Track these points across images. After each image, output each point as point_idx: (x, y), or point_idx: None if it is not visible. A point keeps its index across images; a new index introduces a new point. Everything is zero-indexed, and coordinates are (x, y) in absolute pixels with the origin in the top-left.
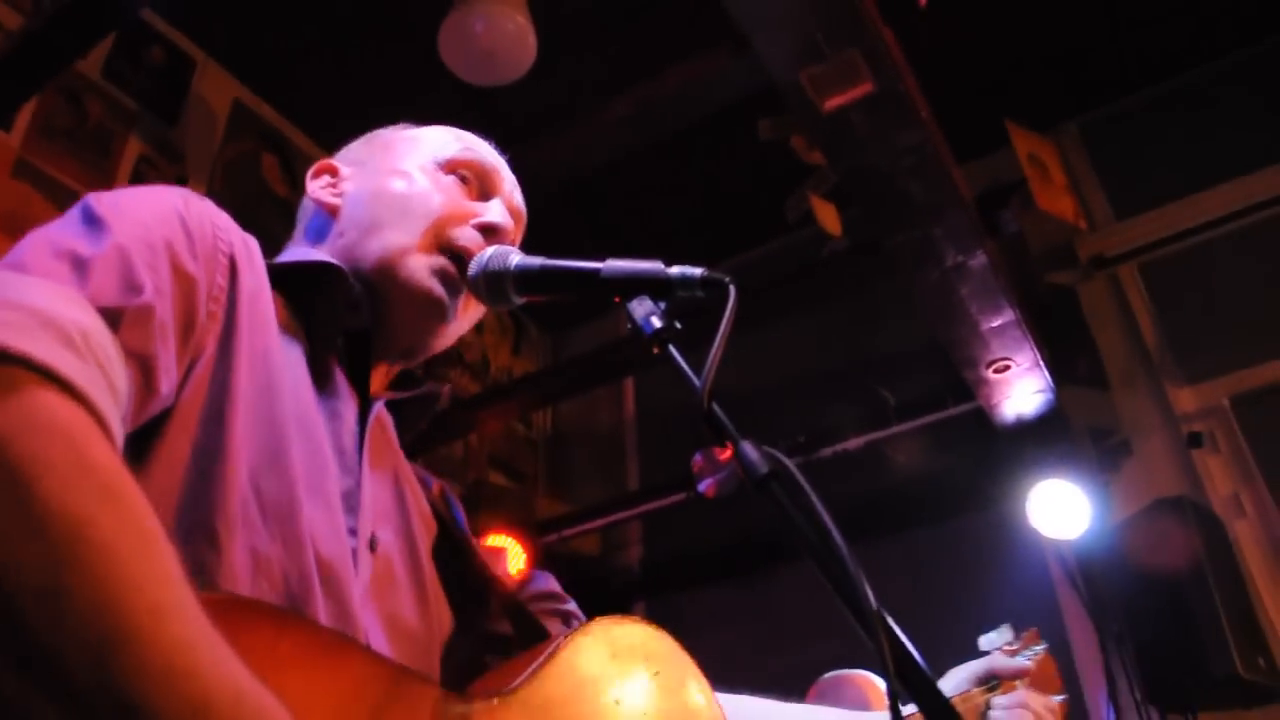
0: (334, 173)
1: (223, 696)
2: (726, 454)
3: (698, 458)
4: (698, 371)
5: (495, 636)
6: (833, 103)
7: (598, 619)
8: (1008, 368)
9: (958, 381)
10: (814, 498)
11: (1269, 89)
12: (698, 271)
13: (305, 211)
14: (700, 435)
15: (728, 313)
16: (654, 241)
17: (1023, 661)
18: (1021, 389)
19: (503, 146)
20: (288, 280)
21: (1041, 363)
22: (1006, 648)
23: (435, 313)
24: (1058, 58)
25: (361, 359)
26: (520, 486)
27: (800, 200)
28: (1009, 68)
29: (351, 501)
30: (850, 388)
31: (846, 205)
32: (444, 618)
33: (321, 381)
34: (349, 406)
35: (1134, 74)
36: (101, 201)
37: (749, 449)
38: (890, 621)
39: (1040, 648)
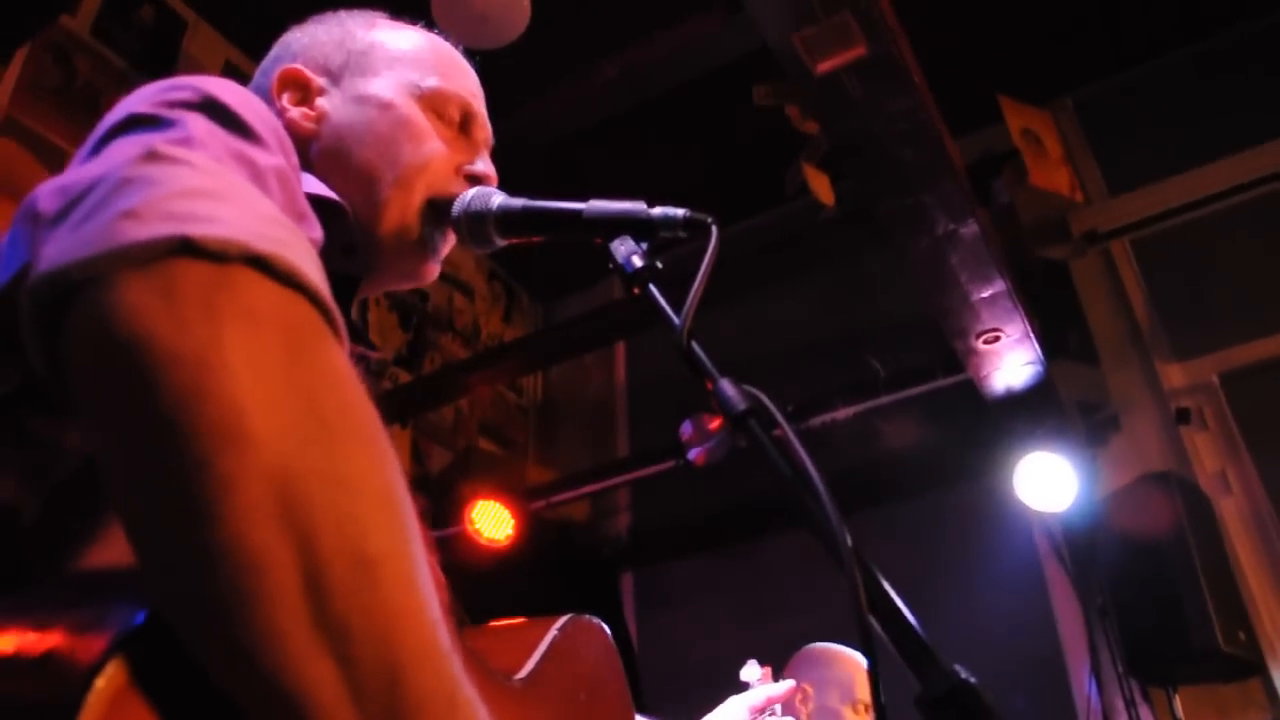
0: (304, 84)
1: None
2: (716, 423)
3: (687, 426)
4: (679, 312)
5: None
6: (825, 66)
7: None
8: (997, 338)
9: (948, 353)
10: (791, 434)
11: (1265, 65)
12: (680, 212)
13: None
14: (690, 403)
15: (709, 252)
16: None
17: (788, 683)
18: (1011, 361)
19: (494, 107)
20: None
21: (1032, 334)
22: (762, 679)
23: (423, 263)
24: (1053, 31)
25: (341, 301)
26: (509, 453)
27: (797, 171)
28: (1004, 41)
29: None
30: (841, 358)
31: (840, 177)
32: None
33: None
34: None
35: (1129, 49)
36: (229, 97)
37: (727, 386)
38: (865, 559)
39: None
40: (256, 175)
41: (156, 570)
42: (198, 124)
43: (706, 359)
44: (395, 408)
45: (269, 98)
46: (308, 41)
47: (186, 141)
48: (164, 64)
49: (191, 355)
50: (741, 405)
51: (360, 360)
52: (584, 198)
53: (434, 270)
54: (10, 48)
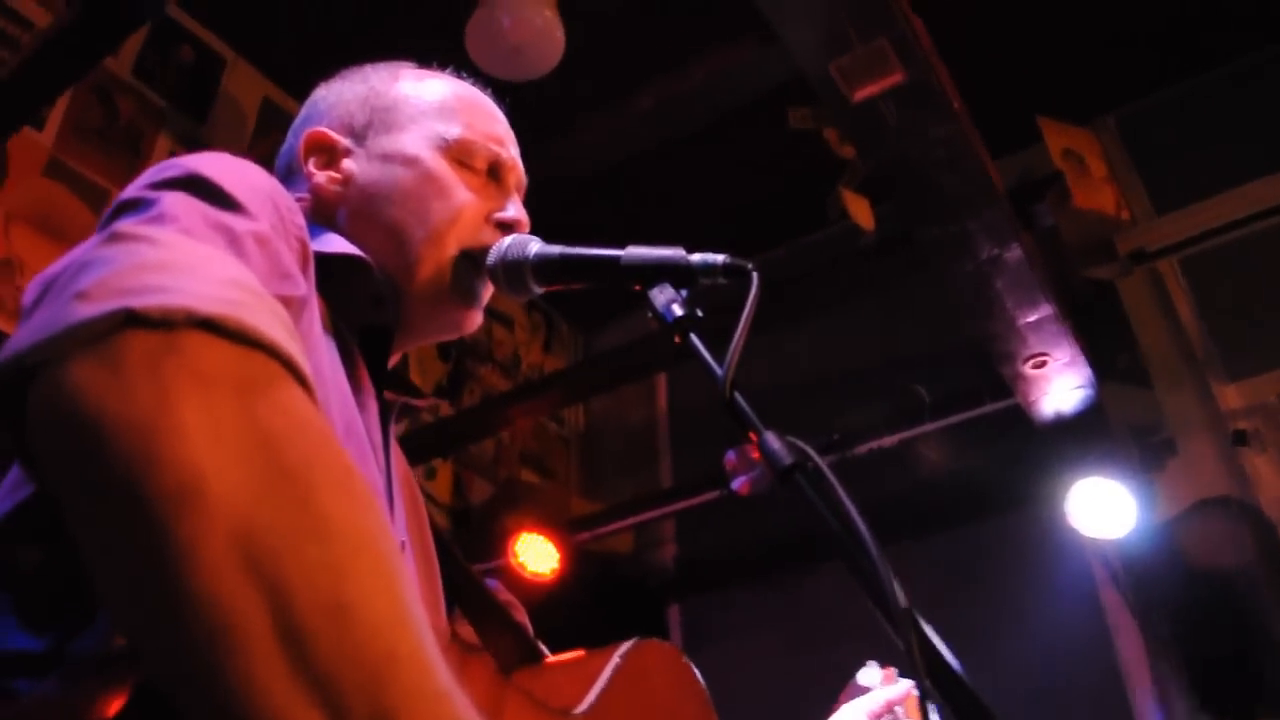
0: (330, 146)
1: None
2: (759, 452)
3: (730, 455)
4: (722, 361)
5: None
6: (862, 93)
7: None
8: (1045, 363)
9: (994, 378)
10: (840, 489)
11: None
12: (719, 258)
13: (298, 182)
14: (733, 431)
15: (750, 300)
16: (681, 238)
17: (907, 684)
18: (1060, 385)
19: (530, 140)
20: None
21: (1081, 357)
22: (885, 680)
23: (464, 313)
24: (1093, 50)
25: (377, 352)
26: (552, 484)
27: (836, 197)
28: (1043, 61)
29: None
30: (884, 385)
31: (879, 199)
32: (443, 623)
33: (350, 372)
34: (372, 402)
35: (1172, 65)
36: (213, 170)
37: (772, 439)
38: (919, 619)
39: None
40: (233, 241)
41: (134, 638)
42: (174, 201)
43: (750, 411)
44: (436, 440)
45: (297, 163)
46: (333, 100)
47: (157, 219)
48: (203, 102)
49: (140, 422)
50: (787, 459)
51: (404, 411)
52: (622, 235)
53: (475, 319)
54: (57, 91)
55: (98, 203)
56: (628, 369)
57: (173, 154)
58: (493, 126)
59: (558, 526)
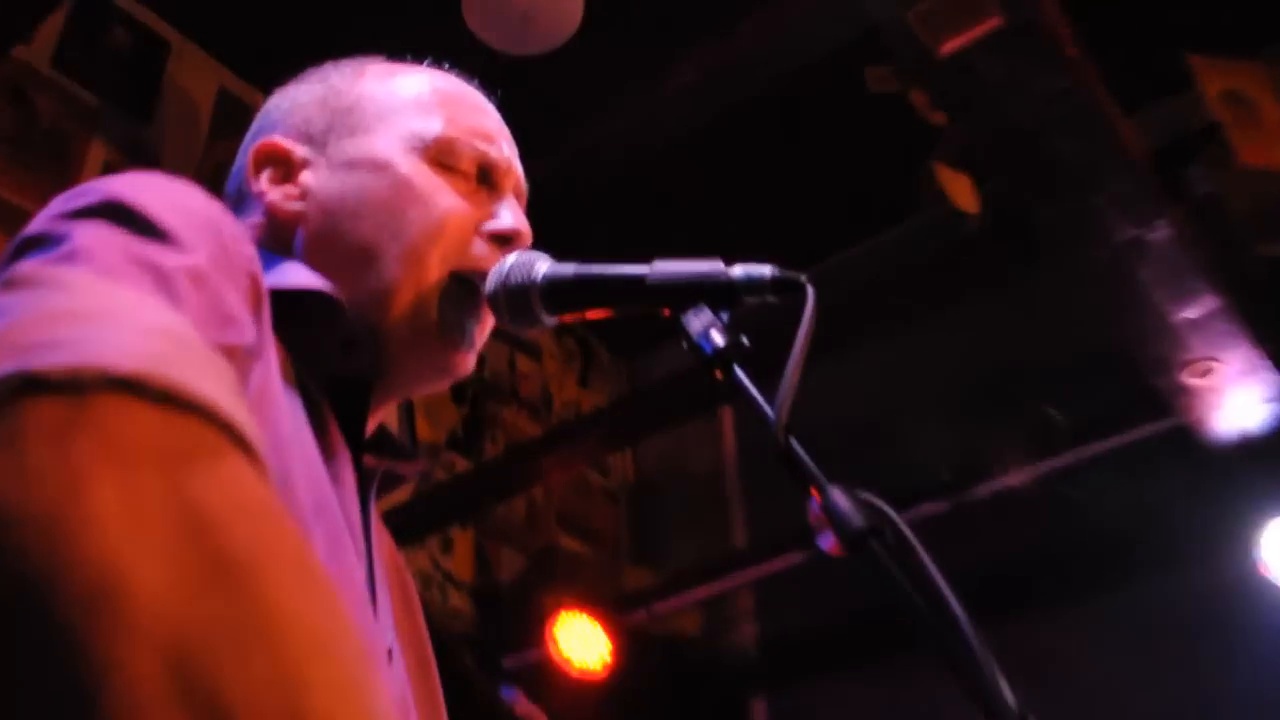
0: (283, 157)
1: None
2: (823, 513)
3: (815, 506)
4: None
5: None
6: (951, 45)
7: None
8: (1211, 370)
9: (1147, 392)
10: (927, 560)
11: None
12: (765, 270)
13: (249, 205)
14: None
15: (805, 322)
16: (733, 241)
17: None
18: (1236, 398)
19: (542, 129)
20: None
21: (1263, 361)
22: None
23: (451, 354)
24: None
25: (351, 407)
26: (598, 551)
27: (930, 174)
28: None
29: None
30: (1006, 408)
31: (983, 176)
32: None
33: (319, 435)
34: (348, 472)
35: None
36: (138, 195)
37: (839, 497)
38: None
39: None
40: (162, 280)
41: None
42: (89, 234)
43: (809, 460)
44: (452, 503)
45: (247, 182)
46: (287, 107)
47: (67, 257)
48: (145, 97)
49: (44, 512)
50: (858, 522)
51: (389, 479)
52: (657, 243)
53: (467, 361)
54: None
55: (15, 227)
56: (685, 402)
57: (107, 164)
58: (480, 120)
59: (607, 604)
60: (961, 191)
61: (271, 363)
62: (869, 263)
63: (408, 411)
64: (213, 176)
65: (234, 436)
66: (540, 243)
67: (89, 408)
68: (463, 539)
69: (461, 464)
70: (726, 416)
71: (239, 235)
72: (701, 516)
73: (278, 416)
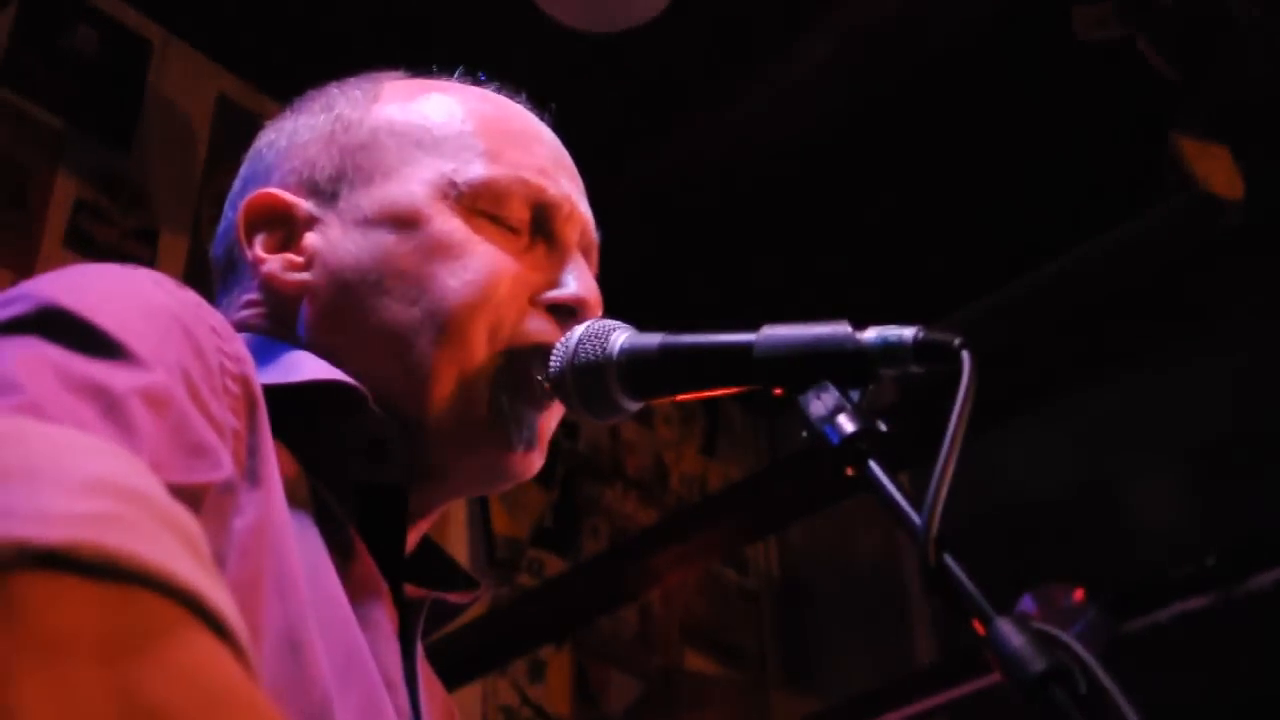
0: (284, 215)
1: None
2: (1078, 594)
3: (1028, 602)
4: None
5: None
6: None
7: None
8: None
9: None
10: (1129, 711)
11: None
12: (908, 334)
13: (242, 276)
14: (1029, 564)
15: (960, 398)
16: (892, 258)
17: None
18: None
19: (634, 126)
20: (280, 402)
21: None
22: None
23: (506, 455)
24: None
25: (383, 521)
26: (737, 671)
27: (1174, 152)
28: None
29: None
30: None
31: (1244, 151)
32: None
33: (343, 568)
34: (383, 611)
35: None
36: (80, 297)
37: (1010, 631)
38: None
39: None
40: (109, 408)
41: None
42: (15, 355)
43: (971, 583)
44: (542, 616)
45: (238, 247)
46: (284, 146)
47: (29, 400)
48: (123, 114)
49: None
50: (1037, 664)
51: (439, 612)
52: (783, 271)
53: (528, 462)
54: None
55: None
56: (843, 475)
57: (82, 202)
58: (531, 151)
59: None
60: (1217, 171)
61: (272, 488)
62: (1084, 276)
63: (481, 503)
64: (215, 208)
65: (196, 609)
66: (630, 287)
67: (7, 590)
68: (558, 661)
69: (553, 564)
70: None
71: (219, 330)
72: (873, 623)
73: (284, 556)
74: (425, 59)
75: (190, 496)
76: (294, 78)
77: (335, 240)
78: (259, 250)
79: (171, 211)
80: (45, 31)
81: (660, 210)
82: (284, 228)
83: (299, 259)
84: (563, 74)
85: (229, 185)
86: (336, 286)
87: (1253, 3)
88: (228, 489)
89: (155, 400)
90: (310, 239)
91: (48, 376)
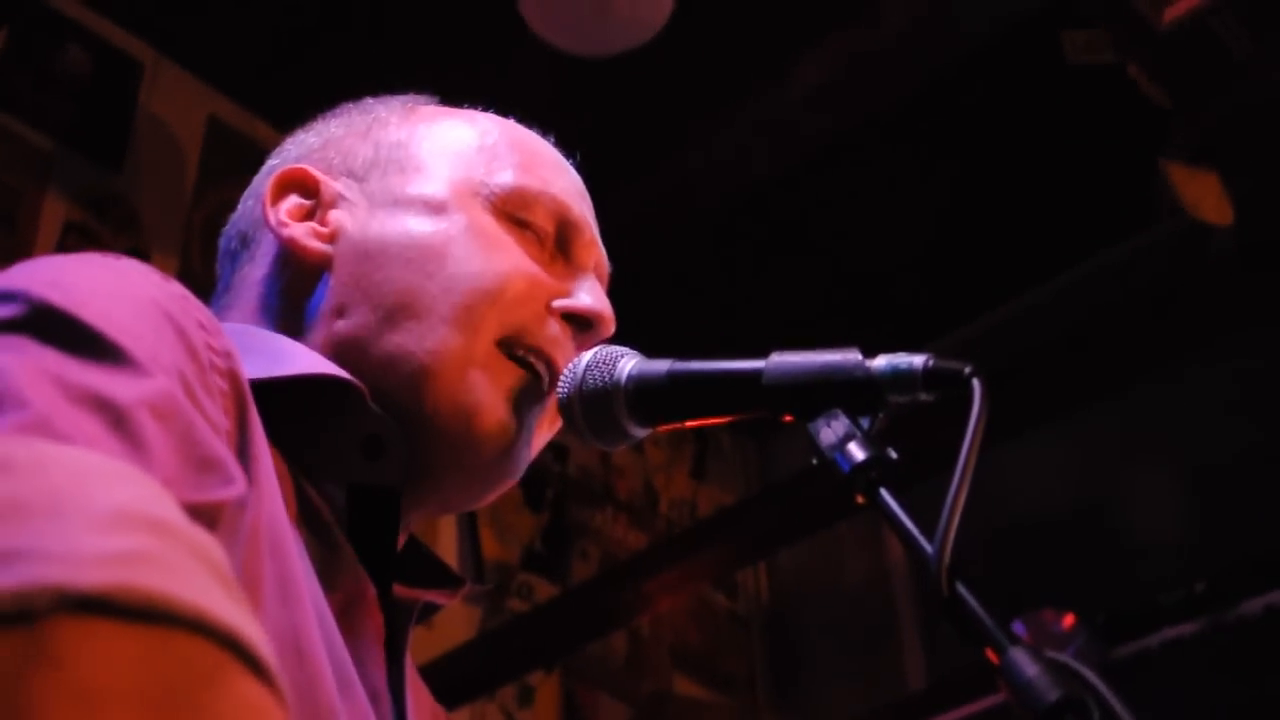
0: (313, 188)
1: None
2: (1068, 620)
3: (1018, 628)
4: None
5: None
6: (1176, 9)
7: None
8: None
9: None
10: None
11: None
12: (918, 361)
13: (256, 252)
14: (1020, 585)
15: (971, 427)
16: (888, 284)
17: None
18: None
19: (632, 148)
20: (267, 397)
21: None
22: None
23: (504, 464)
24: None
25: (375, 523)
26: (726, 697)
27: (1164, 178)
28: None
29: None
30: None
31: (1234, 174)
32: None
33: (327, 572)
34: (370, 619)
35: None
36: (71, 294)
37: (1024, 660)
38: None
39: None
40: (117, 422)
41: None
42: (12, 362)
43: (986, 613)
44: (531, 640)
45: (259, 212)
46: (315, 142)
47: (37, 418)
48: (114, 135)
49: None
50: (1051, 694)
51: (428, 612)
52: (781, 294)
53: (512, 459)
54: None
55: None
56: (833, 497)
57: (72, 224)
58: (559, 177)
59: None
60: (1206, 196)
61: (266, 488)
62: (1079, 299)
63: (469, 522)
64: (204, 230)
65: (235, 649)
66: (632, 299)
67: (45, 641)
68: (546, 686)
69: (543, 588)
70: None
71: (205, 325)
72: (863, 647)
73: (283, 560)
74: (416, 84)
75: (204, 514)
76: (285, 100)
77: (362, 219)
78: (282, 215)
79: (161, 233)
80: (36, 52)
81: (648, 235)
82: (311, 200)
83: (324, 230)
84: (554, 97)
85: (218, 203)
86: (357, 259)
87: (1243, 30)
88: (240, 506)
89: (161, 411)
90: (336, 214)
91: (49, 387)
